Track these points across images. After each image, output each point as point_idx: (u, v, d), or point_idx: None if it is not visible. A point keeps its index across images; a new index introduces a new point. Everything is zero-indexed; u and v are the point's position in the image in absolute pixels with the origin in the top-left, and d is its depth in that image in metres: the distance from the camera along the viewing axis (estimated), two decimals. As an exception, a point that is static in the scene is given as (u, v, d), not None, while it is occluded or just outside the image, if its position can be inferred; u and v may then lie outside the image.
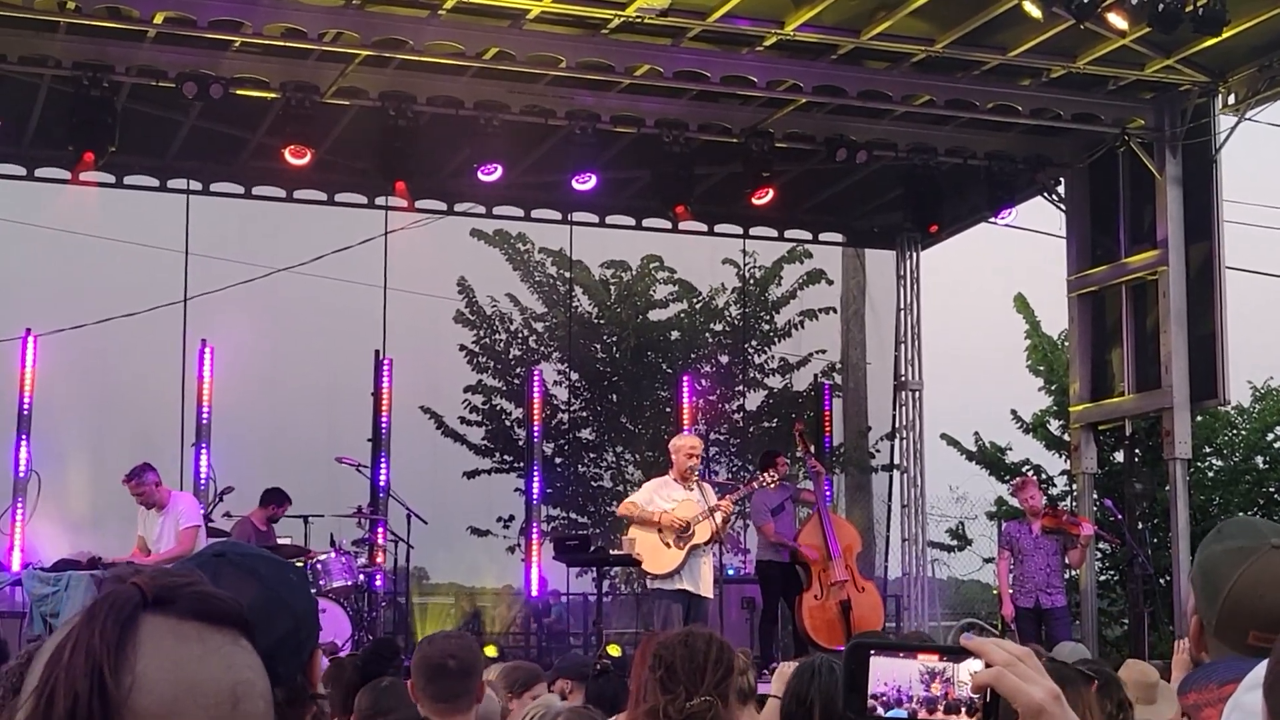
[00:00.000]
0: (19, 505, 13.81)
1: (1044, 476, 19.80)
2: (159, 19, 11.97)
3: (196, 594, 1.33)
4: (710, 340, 20.88)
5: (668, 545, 11.25)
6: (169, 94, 12.89)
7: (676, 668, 4.06)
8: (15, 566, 12.65)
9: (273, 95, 13.18)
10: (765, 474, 12.74)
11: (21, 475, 13.98)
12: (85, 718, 1.23)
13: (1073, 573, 14.39)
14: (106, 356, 16.55)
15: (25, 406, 14.35)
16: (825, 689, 4.22)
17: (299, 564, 2.45)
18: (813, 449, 14.57)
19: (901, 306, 17.42)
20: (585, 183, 14.18)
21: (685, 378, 17.43)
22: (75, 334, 15.72)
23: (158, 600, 1.31)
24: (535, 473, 16.43)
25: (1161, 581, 15.35)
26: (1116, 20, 11.94)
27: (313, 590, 2.31)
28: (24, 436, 14.24)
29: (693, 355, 20.55)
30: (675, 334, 20.89)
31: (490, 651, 11.80)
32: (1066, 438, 17.46)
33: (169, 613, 1.31)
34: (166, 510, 11.21)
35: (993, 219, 15.59)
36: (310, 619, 1.90)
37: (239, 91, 12.95)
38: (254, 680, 1.33)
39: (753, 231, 17.79)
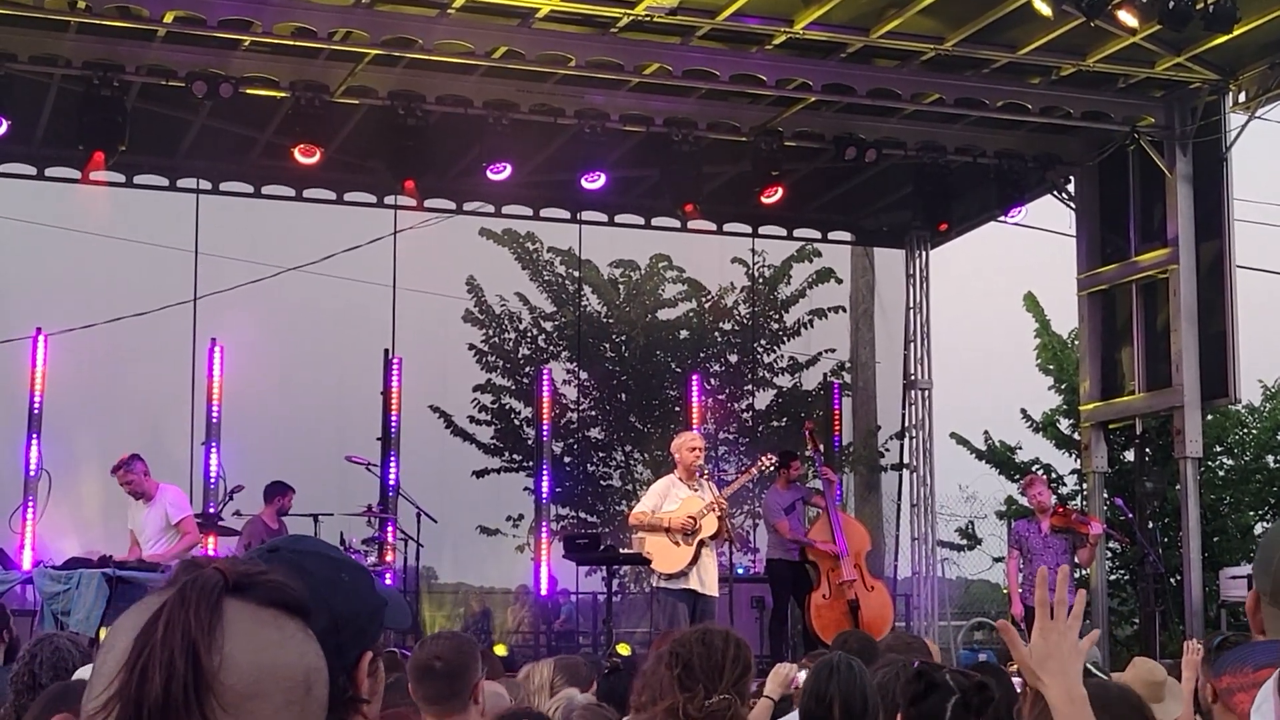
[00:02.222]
0: (30, 504, 13.82)
1: (1054, 475, 19.78)
2: (169, 18, 11.98)
3: (272, 583, 1.40)
4: (719, 339, 20.86)
5: (676, 544, 11.26)
6: (179, 93, 12.91)
7: (694, 665, 4.05)
8: (26, 565, 12.64)
9: (282, 94, 13.19)
10: (764, 459, 12.74)
11: (32, 474, 13.99)
12: (180, 691, 1.28)
13: (1083, 572, 14.37)
14: (117, 356, 16.58)
15: (36, 406, 14.36)
16: (845, 686, 4.20)
17: (361, 565, 2.41)
18: (822, 448, 14.55)
19: (911, 305, 17.40)
20: (594, 181, 14.19)
21: (694, 377, 17.42)
22: (85, 333, 15.75)
23: (237, 586, 1.37)
24: (544, 472, 16.42)
25: (1172, 581, 15.33)
26: (1127, 18, 11.92)
27: (376, 590, 2.29)
28: (34, 435, 14.26)
29: (702, 354, 20.54)
30: (684, 333, 20.88)
31: (500, 651, 11.82)
32: (1077, 436, 17.43)
33: (248, 598, 1.37)
34: (154, 501, 11.24)
35: (1002, 217, 15.55)
36: (358, 622, 1.86)
37: (248, 91, 12.97)
38: (322, 668, 1.40)
39: (762, 230, 17.77)
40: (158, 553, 10.99)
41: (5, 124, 12.48)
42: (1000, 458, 20.71)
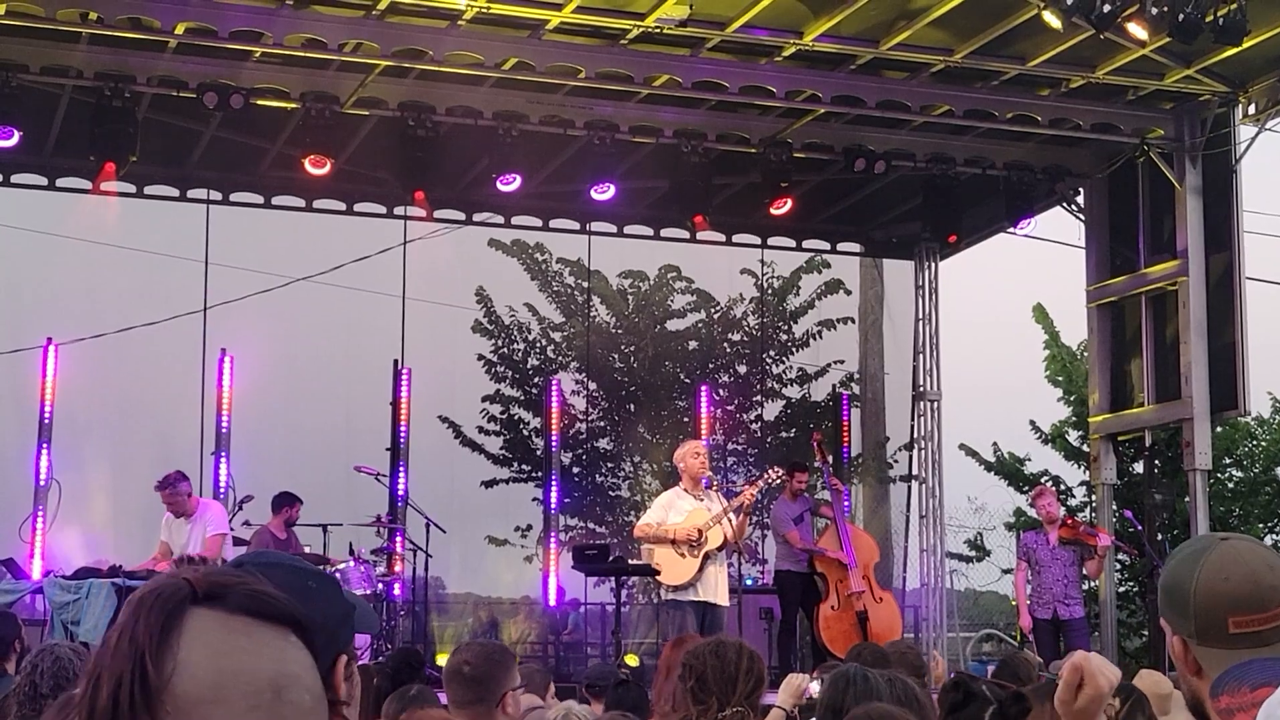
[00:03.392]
0: (40, 513, 13.85)
1: (1063, 487, 19.76)
2: (180, 29, 12.02)
3: (248, 591, 1.38)
4: (728, 350, 20.86)
5: (682, 555, 11.25)
6: (189, 104, 12.94)
7: (708, 678, 4.04)
8: (36, 574, 12.67)
9: (293, 105, 13.22)
10: (772, 470, 12.73)
11: (42, 483, 14.02)
12: (127, 700, 1.29)
13: (1091, 584, 14.35)
14: (127, 365, 16.59)
15: (46, 415, 14.39)
16: (860, 698, 4.14)
17: (326, 571, 2.40)
18: (830, 460, 14.54)
19: (920, 316, 17.40)
20: (604, 192, 14.21)
21: (703, 388, 17.43)
22: (96, 343, 15.77)
23: (208, 595, 1.36)
24: (553, 482, 16.43)
25: (1181, 593, 15.26)
26: (1136, 30, 11.91)
27: (344, 597, 2.33)
28: (45, 445, 14.28)
29: (711, 365, 20.53)
30: (693, 344, 20.88)
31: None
32: (1086, 448, 17.42)
33: (218, 607, 1.36)
34: (195, 518, 11.27)
35: (1012, 229, 15.55)
36: (330, 626, 1.88)
37: (259, 101, 12.99)
38: (300, 674, 1.38)
39: (771, 241, 17.77)
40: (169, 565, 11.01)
41: (17, 135, 12.51)
42: (1009, 469, 20.70)
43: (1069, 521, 13.11)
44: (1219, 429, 16.42)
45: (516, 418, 20.03)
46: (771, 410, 20.30)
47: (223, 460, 14.69)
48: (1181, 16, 11.19)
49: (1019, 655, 7.43)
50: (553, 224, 16.93)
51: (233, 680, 1.32)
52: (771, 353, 20.50)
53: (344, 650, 1.91)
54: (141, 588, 1.38)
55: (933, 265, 17.42)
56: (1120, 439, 15.43)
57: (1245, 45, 12.01)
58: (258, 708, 1.33)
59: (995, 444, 20.85)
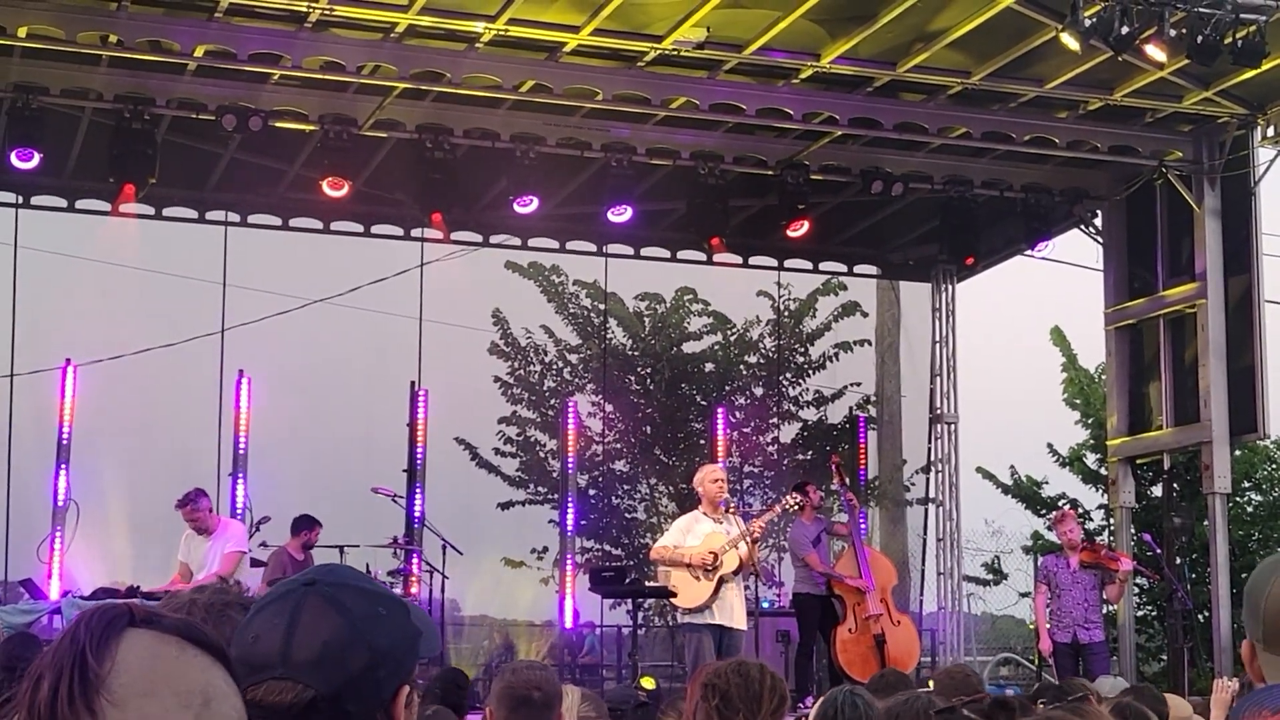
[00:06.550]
0: (58, 534, 13.87)
1: (1081, 510, 19.68)
2: (199, 52, 12.08)
3: (180, 620, 1.47)
4: (745, 372, 20.84)
5: (697, 579, 11.22)
6: (208, 126, 13.01)
7: (732, 696, 4.02)
8: (54, 595, 12.69)
9: (311, 127, 13.28)
10: (789, 497, 12.69)
11: (60, 504, 14.04)
12: (67, 692, 1.36)
13: (1111, 608, 14.28)
14: (145, 387, 16.64)
15: (64, 436, 14.42)
16: None
17: (396, 596, 2.33)
18: (848, 482, 14.51)
19: (937, 339, 17.38)
20: (620, 215, 14.22)
21: (720, 410, 17.40)
22: (114, 364, 15.81)
23: (144, 620, 1.44)
24: (569, 504, 16.41)
25: (1200, 617, 15.24)
26: (1154, 52, 11.90)
27: (412, 623, 2.25)
28: (63, 465, 14.31)
29: (727, 387, 20.52)
30: (709, 366, 20.86)
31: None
32: (1104, 471, 17.36)
33: (153, 628, 1.44)
34: (215, 536, 11.26)
35: (1029, 251, 15.55)
36: (396, 656, 1.84)
37: (278, 124, 13.05)
38: (228, 693, 1.45)
39: (788, 264, 17.79)
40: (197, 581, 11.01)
41: (37, 156, 12.59)
42: (1026, 492, 20.63)
43: (1091, 546, 13.05)
44: (1238, 452, 16.35)
45: (533, 439, 20.03)
46: (788, 432, 20.27)
47: (240, 481, 14.70)
48: (1200, 38, 11.19)
49: (1074, 681, 7.37)
50: (569, 246, 16.96)
51: (164, 680, 1.40)
52: (788, 375, 20.48)
53: (407, 679, 1.88)
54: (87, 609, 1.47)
55: (950, 287, 17.40)
56: (1139, 462, 15.38)
57: (1264, 67, 12.00)
58: (188, 708, 1.40)
59: (1012, 467, 20.82)
